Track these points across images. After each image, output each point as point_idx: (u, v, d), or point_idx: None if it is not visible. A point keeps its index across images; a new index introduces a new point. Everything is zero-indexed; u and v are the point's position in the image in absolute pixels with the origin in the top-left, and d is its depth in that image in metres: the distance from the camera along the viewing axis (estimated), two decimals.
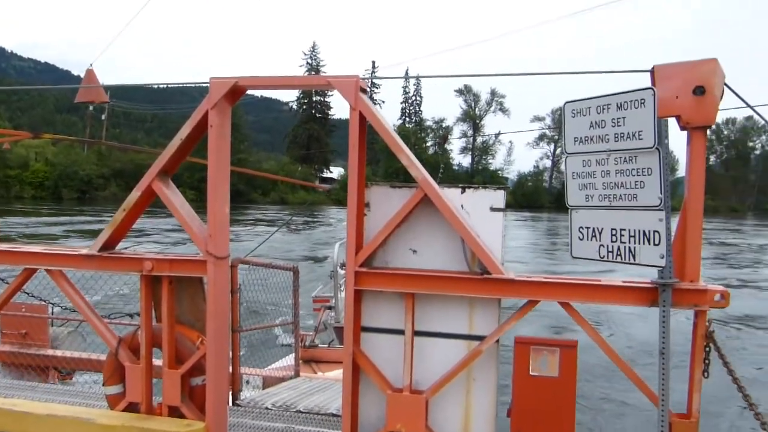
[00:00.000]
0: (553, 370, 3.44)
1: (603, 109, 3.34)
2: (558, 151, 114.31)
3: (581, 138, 3.45)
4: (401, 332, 3.65)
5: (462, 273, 3.58)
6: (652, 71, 3.28)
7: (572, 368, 3.42)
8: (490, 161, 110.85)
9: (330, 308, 10.05)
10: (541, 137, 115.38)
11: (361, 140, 3.59)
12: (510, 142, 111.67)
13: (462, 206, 3.60)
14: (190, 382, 4.06)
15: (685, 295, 3.23)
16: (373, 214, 3.71)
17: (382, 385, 3.67)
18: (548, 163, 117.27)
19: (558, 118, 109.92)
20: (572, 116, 3.48)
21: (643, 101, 3.17)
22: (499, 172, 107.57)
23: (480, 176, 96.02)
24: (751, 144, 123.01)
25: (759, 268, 30.84)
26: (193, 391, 4.06)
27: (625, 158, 3.27)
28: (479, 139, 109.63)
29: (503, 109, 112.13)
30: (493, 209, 3.58)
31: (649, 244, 3.19)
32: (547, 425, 3.44)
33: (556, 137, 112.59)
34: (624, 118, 3.25)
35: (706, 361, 3.26)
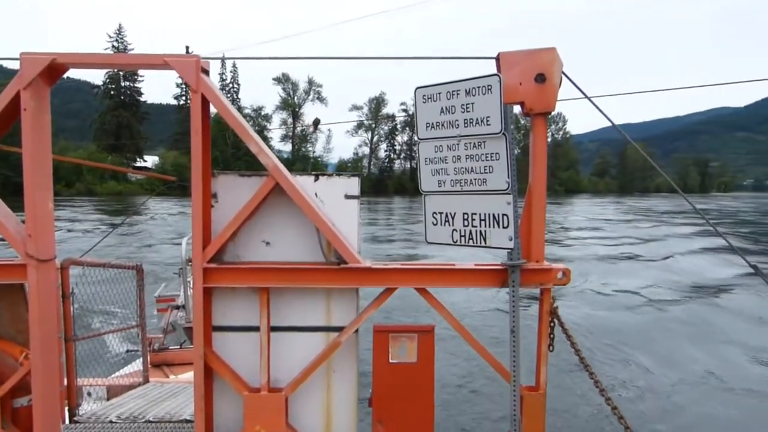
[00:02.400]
0: (412, 356, 3.45)
1: (453, 94, 3.36)
2: (375, 138, 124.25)
3: (433, 123, 3.45)
4: (256, 329, 3.46)
5: (318, 264, 3.45)
6: (497, 58, 3.35)
7: (430, 353, 3.45)
8: (309, 149, 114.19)
9: (178, 308, 9.48)
10: (360, 125, 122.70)
11: (205, 125, 3.30)
12: (329, 130, 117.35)
13: (316, 194, 3.47)
14: (12, 404, 3.55)
15: (532, 274, 3.37)
16: (221, 205, 3.46)
17: (238, 386, 3.45)
18: (367, 150, 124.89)
19: (375, 108, 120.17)
20: (423, 102, 3.47)
21: (490, 87, 3.23)
22: (320, 159, 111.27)
23: (300, 164, 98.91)
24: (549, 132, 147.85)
25: (561, 242, 34.10)
26: (18, 413, 3.57)
27: (474, 143, 3.33)
28: (298, 128, 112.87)
29: (321, 98, 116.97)
30: (347, 197, 3.49)
31: (499, 227, 3.28)
32: (407, 411, 3.46)
33: (374, 126, 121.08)
34: (473, 104, 3.30)
35: (552, 336, 3.44)
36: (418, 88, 3.50)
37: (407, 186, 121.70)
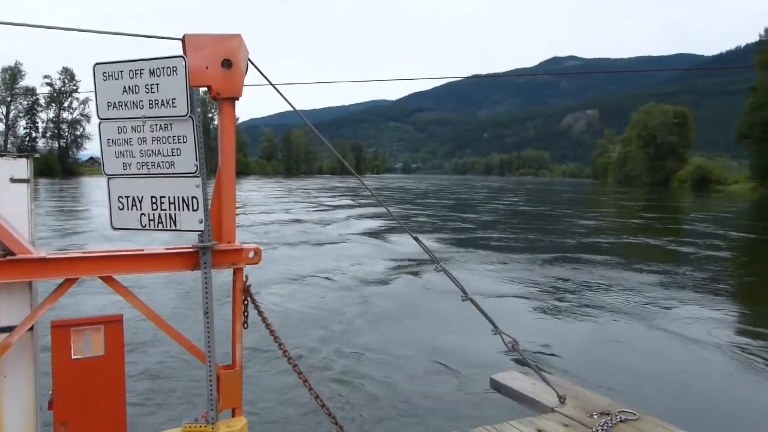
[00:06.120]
0: (99, 349, 3.25)
1: (136, 74, 3.24)
2: (12, 114, 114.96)
3: (115, 103, 3.29)
4: None
5: None
6: (183, 40, 3.32)
7: (119, 343, 3.29)
8: None
9: None
10: None
11: None
12: None
13: None
14: None
15: (224, 255, 3.45)
16: None
17: None
18: (2, 126, 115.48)
19: (10, 79, 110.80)
20: (104, 79, 3.27)
21: (175, 69, 3.19)
22: None
23: None
24: (210, 115, 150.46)
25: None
26: None
27: (161, 126, 3.26)
28: None
29: None
30: (14, 180, 3.12)
31: (189, 210, 3.28)
32: (94, 408, 3.25)
33: (9, 99, 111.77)
34: (157, 84, 3.22)
35: (245, 314, 3.57)
36: (97, 64, 3.28)
37: (55, 167, 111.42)
